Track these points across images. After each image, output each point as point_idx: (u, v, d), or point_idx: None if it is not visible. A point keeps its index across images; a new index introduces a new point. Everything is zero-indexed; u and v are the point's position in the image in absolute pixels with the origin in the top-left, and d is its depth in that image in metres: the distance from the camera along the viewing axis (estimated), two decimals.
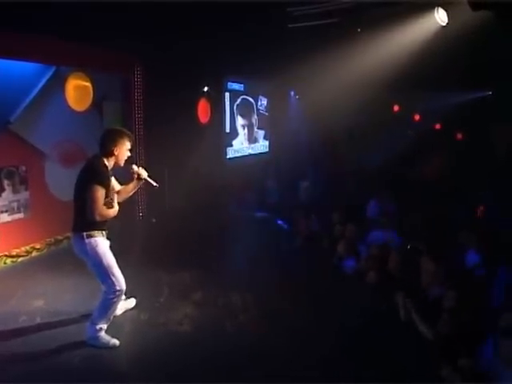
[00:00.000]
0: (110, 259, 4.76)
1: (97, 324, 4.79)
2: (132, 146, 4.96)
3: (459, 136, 17.21)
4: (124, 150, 4.82)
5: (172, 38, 9.00)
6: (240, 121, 14.26)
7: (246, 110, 14.54)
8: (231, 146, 13.75)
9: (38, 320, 5.33)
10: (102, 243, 4.74)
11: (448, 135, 16.89)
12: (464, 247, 6.69)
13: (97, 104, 8.69)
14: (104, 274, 4.73)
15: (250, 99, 14.90)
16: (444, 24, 8.54)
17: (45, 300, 5.87)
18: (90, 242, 4.67)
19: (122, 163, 4.86)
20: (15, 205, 7.46)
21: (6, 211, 7.33)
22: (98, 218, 4.55)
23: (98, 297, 4.89)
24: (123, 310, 5.49)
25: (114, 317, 5.07)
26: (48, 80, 7.75)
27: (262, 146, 15.81)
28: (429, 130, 17.06)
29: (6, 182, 7.30)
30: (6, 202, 7.33)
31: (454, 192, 10.56)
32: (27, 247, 7.61)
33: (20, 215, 7.53)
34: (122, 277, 4.81)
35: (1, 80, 6.95)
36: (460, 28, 8.38)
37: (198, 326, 5.32)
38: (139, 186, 5.15)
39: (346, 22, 9.56)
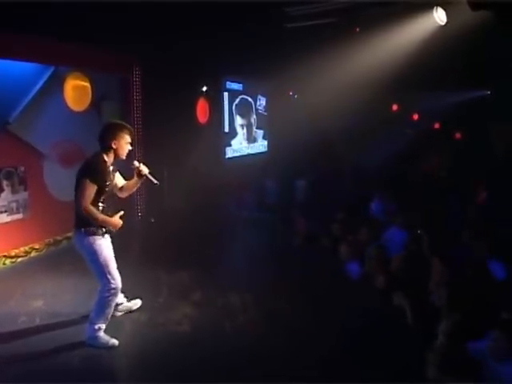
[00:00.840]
0: (107, 256, 4.74)
1: (95, 324, 4.78)
2: (132, 139, 4.93)
3: (458, 135, 17.25)
4: (123, 143, 4.79)
5: (171, 37, 9.01)
6: (239, 120, 14.27)
7: (244, 110, 14.55)
8: (230, 145, 13.77)
9: (38, 321, 5.32)
10: (100, 240, 4.72)
11: (446, 134, 16.93)
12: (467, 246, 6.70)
13: (95, 104, 8.68)
14: (100, 271, 4.72)
15: (249, 99, 14.91)
16: (443, 23, 8.55)
17: (44, 300, 5.86)
18: (88, 239, 4.67)
19: (122, 157, 4.83)
20: (14, 205, 7.45)
21: (5, 212, 7.31)
22: (84, 214, 4.53)
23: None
24: (127, 311, 5.49)
25: (114, 317, 5.07)
26: (46, 80, 7.74)
27: (260, 145, 15.83)
28: (427, 129, 17.09)
29: (4, 183, 7.29)
30: (5, 203, 7.31)
31: (453, 190, 10.55)
32: (26, 248, 7.60)
33: (19, 216, 7.53)
34: (118, 275, 4.80)
35: None
36: (459, 27, 8.40)
37: (197, 326, 5.31)
38: (140, 183, 5.14)
39: (344, 22, 9.60)
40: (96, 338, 4.77)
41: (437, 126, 17.84)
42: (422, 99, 15.99)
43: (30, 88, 7.52)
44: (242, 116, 14.43)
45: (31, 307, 5.68)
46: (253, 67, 12.21)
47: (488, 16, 7.40)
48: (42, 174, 7.98)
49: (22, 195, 7.58)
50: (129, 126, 4.95)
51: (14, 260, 7.38)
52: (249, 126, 14.92)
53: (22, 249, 7.54)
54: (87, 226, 4.66)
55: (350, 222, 7.99)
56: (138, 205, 9.61)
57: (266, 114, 15.97)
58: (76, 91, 8.04)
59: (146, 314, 5.52)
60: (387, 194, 9.58)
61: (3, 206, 7.29)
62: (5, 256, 7.26)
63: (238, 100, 14.12)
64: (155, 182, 5.03)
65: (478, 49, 10.17)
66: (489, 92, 16.02)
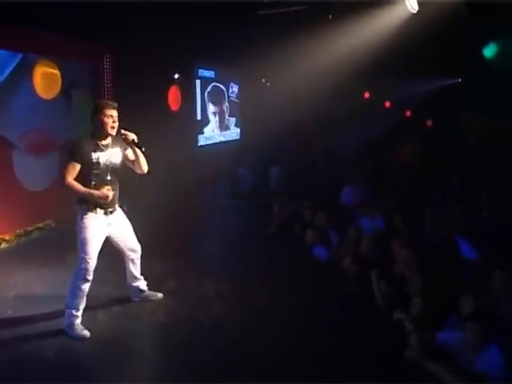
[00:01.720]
0: (89, 235, 4.72)
1: (69, 309, 4.75)
2: (118, 112, 4.83)
3: (429, 123, 17.44)
4: (102, 117, 4.72)
5: (142, 25, 8.89)
6: (211, 108, 14.20)
7: (217, 97, 14.48)
8: (202, 133, 13.70)
9: (9, 312, 5.24)
10: (89, 218, 4.74)
11: (418, 122, 17.10)
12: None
13: (65, 92, 8.54)
14: (79, 248, 4.73)
15: (221, 86, 14.84)
16: (414, 11, 8.60)
17: (16, 292, 5.77)
18: (78, 216, 4.77)
19: (108, 131, 4.76)
20: None
21: None
22: (67, 188, 4.62)
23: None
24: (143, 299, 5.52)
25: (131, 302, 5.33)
26: (14, 68, 7.58)
27: (233, 133, 15.80)
28: (399, 116, 17.24)
29: None
30: None
31: (426, 178, 10.70)
32: None
33: None
34: (93, 259, 4.74)
35: None
36: (430, 15, 8.46)
37: (173, 315, 5.29)
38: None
39: (316, 9, 9.57)
40: (71, 326, 4.73)
41: (408, 113, 17.99)
42: (394, 87, 16.09)
43: None
44: (215, 103, 14.36)
45: (3, 298, 5.59)
46: (225, 54, 12.15)
47: (459, 4, 7.46)
48: (12, 163, 7.80)
49: None
50: (107, 101, 4.92)
51: None
52: (221, 114, 14.86)
53: None
54: (80, 203, 4.76)
55: (319, 209, 8.02)
56: None
57: (238, 101, 15.93)
58: (45, 79, 7.90)
59: (120, 303, 5.48)
60: (358, 181, 9.65)
61: None
62: None
63: (210, 87, 14.03)
64: (142, 149, 4.98)
65: (450, 37, 10.27)
66: (459, 80, 16.20)
